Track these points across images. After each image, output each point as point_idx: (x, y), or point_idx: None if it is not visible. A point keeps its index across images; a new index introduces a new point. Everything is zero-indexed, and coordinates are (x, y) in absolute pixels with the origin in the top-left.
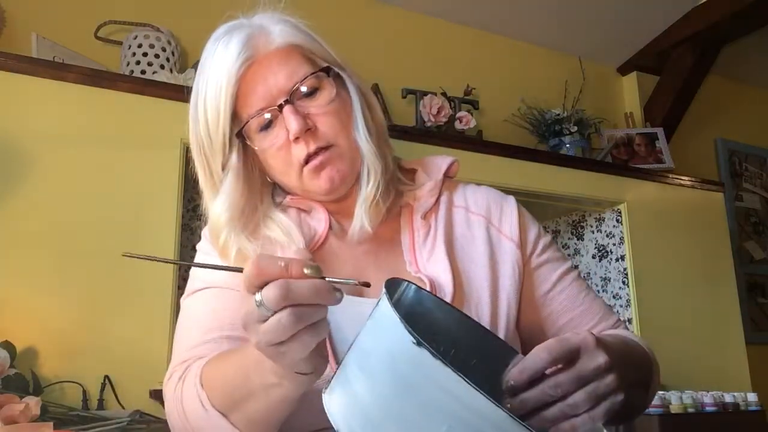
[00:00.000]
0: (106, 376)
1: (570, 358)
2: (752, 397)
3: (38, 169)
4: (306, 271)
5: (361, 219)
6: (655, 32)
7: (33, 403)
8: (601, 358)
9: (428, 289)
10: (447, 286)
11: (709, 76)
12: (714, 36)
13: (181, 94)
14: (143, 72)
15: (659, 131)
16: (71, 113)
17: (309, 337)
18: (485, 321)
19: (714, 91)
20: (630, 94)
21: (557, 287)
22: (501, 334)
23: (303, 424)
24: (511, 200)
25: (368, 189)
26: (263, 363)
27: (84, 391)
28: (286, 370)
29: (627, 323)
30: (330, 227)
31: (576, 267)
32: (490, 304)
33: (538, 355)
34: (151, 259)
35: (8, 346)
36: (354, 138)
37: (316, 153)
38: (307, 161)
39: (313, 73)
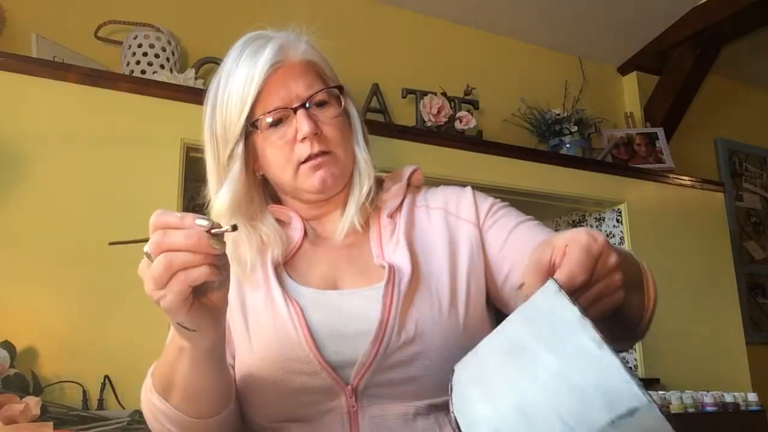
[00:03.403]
0: (106, 376)
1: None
2: (752, 397)
3: (38, 169)
4: (197, 221)
5: (351, 217)
6: (655, 32)
7: (33, 403)
8: (613, 258)
9: (387, 273)
10: (405, 269)
11: (709, 76)
12: (714, 36)
13: (181, 94)
14: (143, 72)
15: (659, 131)
16: (71, 113)
17: (179, 284)
18: (445, 300)
19: (714, 91)
20: (630, 94)
21: (512, 236)
22: (461, 311)
23: (266, 415)
24: (468, 189)
25: (362, 191)
26: (174, 333)
27: (84, 391)
28: (173, 324)
29: None
30: (305, 235)
31: (539, 223)
32: (449, 284)
33: (575, 277)
34: (137, 242)
35: (8, 346)
36: (353, 150)
37: (317, 155)
38: (306, 160)
39: (327, 88)
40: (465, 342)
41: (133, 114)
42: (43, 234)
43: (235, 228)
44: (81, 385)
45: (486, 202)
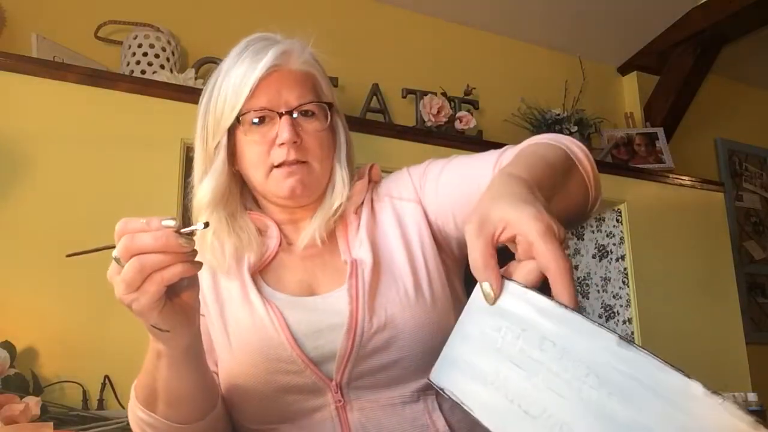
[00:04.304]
0: (106, 376)
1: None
2: (752, 397)
3: (38, 169)
4: (164, 223)
5: (314, 231)
6: (655, 32)
7: (33, 403)
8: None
9: (350, 267)
10: (367, 261)
11: (709, 76)
12: (714, 36)
13: (181, 94)
14: (143, 72)
15: (659, 131)
16: (71, 113)
17: (153, 285)
18: (409, 284)
19: (714, 91)
20: (630, 94)
21: (442, 180)
22: (426, 290)
23: (255, 418)
24: (404, 169)
25: (332, 208)
26: (150, 340)
27: (84, 391)
28: (147, 327)
29: (627, 323)
30: (280, 243)
31: (459, 160)
32: (408, 268)
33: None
34: (96, 251)
35: (8, 346)
36: (331, 166)
37: (291, 162)
38: (280, 165)
39: (317, 102)
40: (436, 318)
41: (133, 114)
42: (43, 234)
43: (206, 225)
44: (81, 385)
45: (417, 170)
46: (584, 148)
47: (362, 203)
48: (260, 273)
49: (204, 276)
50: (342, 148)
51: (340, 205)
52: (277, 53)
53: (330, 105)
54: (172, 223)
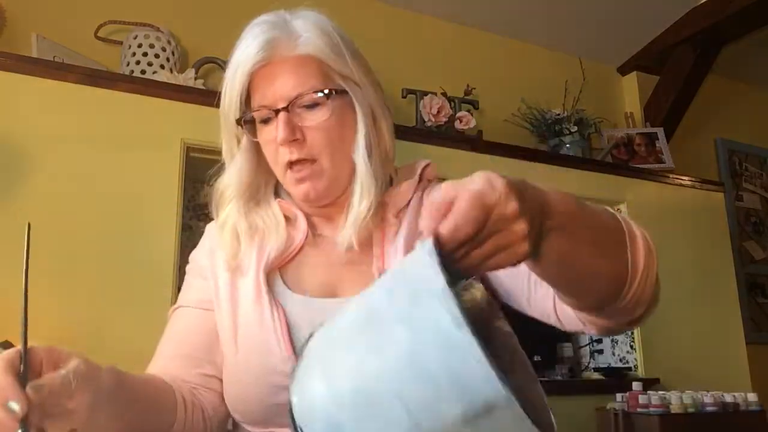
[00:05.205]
0: None
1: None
2: (752, 397)
3: (38, 169)
4: (10, 405)
5: (349, 235)
6: (655, 32)
7: None
8: (511, 206)
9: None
10: None
11: (709, 76)
12: (714, 36)
13: (181, 94)
14: (143, 72)
15: (659, 131)
16: (71, 113)
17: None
18: None
19: (714, 91)
20: (630, 94)
21: None
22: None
23: (252, 421)
24: None
25: (360, 207)
26: None
27: None
28: None
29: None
30: (306, 237)
31: None
32: None
33: (459, 230)
34: None
35: (8, 346)
36: (347, 158)
37: (298, 162)
38: (291, 166)
39: (315, 92)
40: None
41: (133, 114)
42: (43, 234)
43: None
44: None
45: None
46: (646, 234)
47: (407, 205)
48: (280, 270)
49: (222, 273)
50: (360, 134)
51: (370, 205)
52: (262, 45)
53: (335, 90)
54: (16, 407)
